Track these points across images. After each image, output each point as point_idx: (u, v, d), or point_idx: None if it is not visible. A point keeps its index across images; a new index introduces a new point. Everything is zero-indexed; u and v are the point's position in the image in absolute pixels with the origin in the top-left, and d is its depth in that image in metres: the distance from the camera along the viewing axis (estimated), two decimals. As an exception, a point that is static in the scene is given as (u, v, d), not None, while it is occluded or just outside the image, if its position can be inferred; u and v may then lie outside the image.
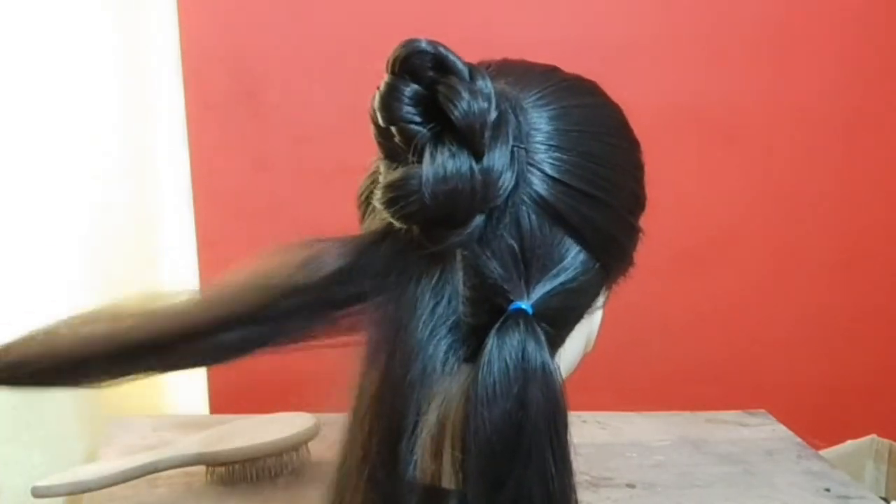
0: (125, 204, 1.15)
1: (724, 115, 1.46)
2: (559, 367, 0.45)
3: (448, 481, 0.46)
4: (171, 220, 1.22)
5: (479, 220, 0.43)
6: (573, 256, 0.46)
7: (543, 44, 1.33)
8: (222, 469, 0.89)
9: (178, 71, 1.19)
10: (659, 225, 0.54)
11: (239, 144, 1.33)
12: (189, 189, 1.23)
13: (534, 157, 0.45)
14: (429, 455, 0.47)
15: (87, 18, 1.07)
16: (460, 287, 0.45)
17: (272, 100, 1.32)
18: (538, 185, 0.45)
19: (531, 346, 0.43)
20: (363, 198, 0.49)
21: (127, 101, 1.14)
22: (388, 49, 0.43)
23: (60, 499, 0.89)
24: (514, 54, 0.52)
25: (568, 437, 0.44)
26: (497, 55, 0.52)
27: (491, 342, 0.43)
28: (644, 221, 0.53)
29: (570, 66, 0.52)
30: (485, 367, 0.43)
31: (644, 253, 0.54)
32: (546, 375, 0.43)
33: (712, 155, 1.47)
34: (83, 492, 0.87)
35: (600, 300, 0.51)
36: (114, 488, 0.86)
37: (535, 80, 0.48)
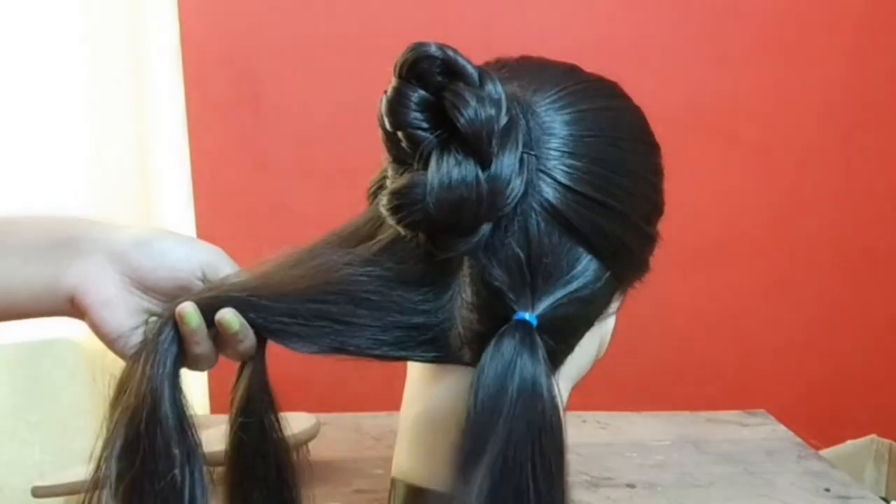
0: (127, 204, 1.15)
1: (724, 115, 1.46)
2: (558, 382, 0.44)
3: (436, 483, 0.46)
4: (172, 220, 1.22)
5: (486, 228, 0.42)
6: (584, 265, 0.45)
7: (544, 44, 1.33)
8: (222, 469, 0.89)
9: (178, 72, 1.19)
10: (659, 225, 0.53)
11: (240, 145, 1.33)
12: (190, 189, 1.23)
13: (545, 163, 0.44)
14: (413, 453, 0.47)
15: (89, 19, 1.07)
16: (467, 294, 0.45)
17: (273, 100, 1.32)
18: (549, 192, 0.43)
19: (525, 360, 0.42)
20: (371, 192, 0.49)
21: (128, 102, 1.14)
22: (389, 49, 0.43)
23: (60, 499, 0.89)
24: (515, 54, 0.51)
25: (558, 456, 0.42)
26: (498, 55, 0.51)
27: (488, 352, 0.42)
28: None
29: (570, 67, 0.51)
30: (478, 377, 0.42)
31: (644, 253, 0.53)
32: (535, 391, 0.42)
33: (712, 155, 1.47)
34: (83, 492, 0.87)
35: (613, 306, 0.50)
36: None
37: (552, 81, 0.47)
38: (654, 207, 0.50)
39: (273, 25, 1.30)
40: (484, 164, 0.41)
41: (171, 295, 0.45)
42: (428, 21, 1.32)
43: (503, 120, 0.41)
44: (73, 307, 0.45)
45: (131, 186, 1.15)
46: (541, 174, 0.43)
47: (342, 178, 1.28)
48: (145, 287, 0.45)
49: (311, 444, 0.93)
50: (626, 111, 0.50)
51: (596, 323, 0.49)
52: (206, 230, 1.26)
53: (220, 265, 0.47)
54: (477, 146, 0.40)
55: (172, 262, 0.45)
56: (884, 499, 1.51)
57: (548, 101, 0.46)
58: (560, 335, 0.46)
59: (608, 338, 0.52)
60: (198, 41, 1.23)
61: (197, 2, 1.23)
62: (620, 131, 0.48)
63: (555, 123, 0.45)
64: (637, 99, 0.52)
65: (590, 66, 0.52)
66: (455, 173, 0.40)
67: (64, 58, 1.06)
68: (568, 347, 0.48)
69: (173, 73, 1.18)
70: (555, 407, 0.42)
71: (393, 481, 0.50)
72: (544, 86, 0.46)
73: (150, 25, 1.15)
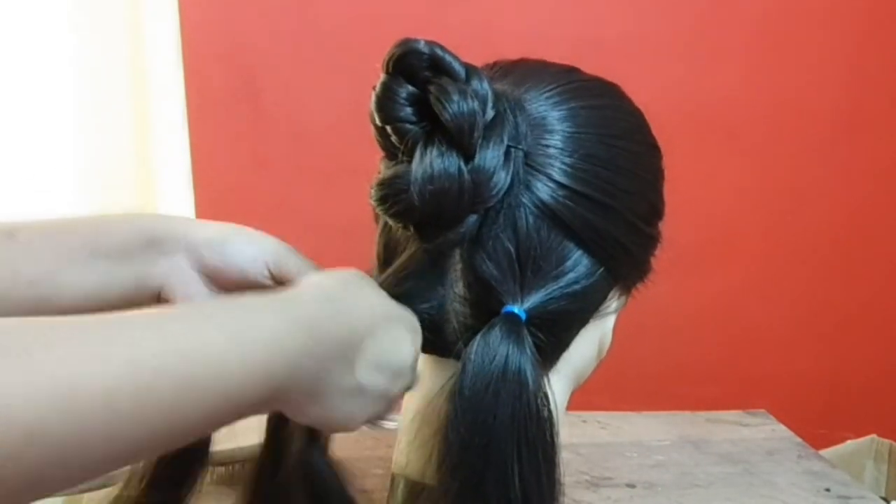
0: (126, 202, 1.15)
1: (724, 114, 1.46)
2: (550, 378, 0.44)
3: (426, 476, 0.46)
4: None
5: (472, 219, 0.43)
6: (574, 260, 0.46)
7: (542, 43, 1.33)
8: (222, 469, 0.89)
9: (178, 69, 1.18)
10: (660, 226, 0.53)
11: (239, 143, 1.32)
12: (190, 187, 1.23)
13: (535, 158, 0.44)
14: (411, 448, 0.47)
15: (89, 16, 1.07)
16: (459, 288, 0.45)
17: (272, 98, 1.32)
18: (538, 186, 0.44)
19: (511, 352, 0.42)
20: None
21: (128, 100, 1.14)
22: (388, 47, 0.43)
23: (60, 498, 0.89)
24: (513, 53, 0.52)
25: (546, 446, 0.43)
26: (498, 54, 0.51)
27: (476, 344, 0.43)
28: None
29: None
30: (463, 368, 0.43)
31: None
32: (521, 381, 0.42)
33: (712, 154, 1.47)
34: (83, 492, 0.87)
35: (612, 305, 0.50)
36: (114, 488, 0.86)
37: (547, 79, 0.48)
38: (652, 207, 0.51)
39: (272, 23, 1.30)
40: (467, 156, 0.41)
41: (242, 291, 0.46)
42: (428, 21, 1.32)
43: (489, 114, 0.42)
44: (159, 305, 0.46)
45: (131, 184, 1.15)
46: (530, 169, 0.44)
47: (342, 176, 1.28)
48: (220, 284, 0.47)
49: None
50: (622, 111, 0.50)
51: (592, 321, 0.49)
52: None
53: (287, 261, 0.47)
54: (460, 138, 0.41)
55: (241, 264, 0.47)
56: (884, 499, 1.51)
57: (542, 98, 0.46)
58: (552, 330, 0.46)
59: (608, 339, 0.52)
60: (197, 39, 1.23)
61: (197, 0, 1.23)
62: (614, 129, 0.48)
63: (547, 120, 0.45)
64: (636, 97, 0.52)
65: (588, 64, 0.52)
66: (437, 164, 0.41)
67: (63, 55, 1.05)
68: (561, 343, 0.48)
69: (173, 71, 1.18)
70: (541, 397, 0.43)
71: (393, 478, 0.51)
72: (538, 84, 0.47)
73: (149, 23, 1.15)
